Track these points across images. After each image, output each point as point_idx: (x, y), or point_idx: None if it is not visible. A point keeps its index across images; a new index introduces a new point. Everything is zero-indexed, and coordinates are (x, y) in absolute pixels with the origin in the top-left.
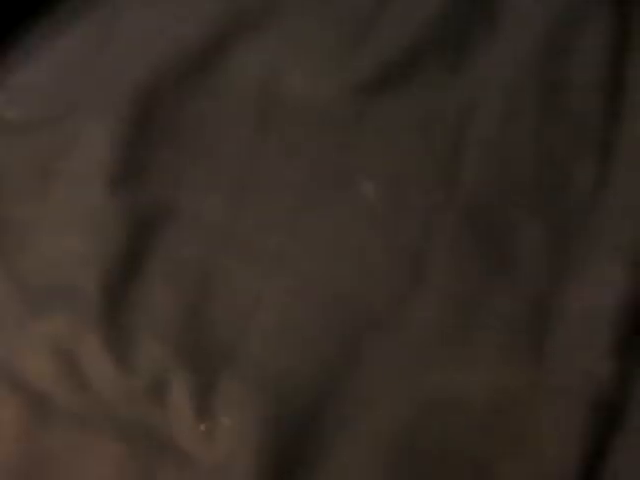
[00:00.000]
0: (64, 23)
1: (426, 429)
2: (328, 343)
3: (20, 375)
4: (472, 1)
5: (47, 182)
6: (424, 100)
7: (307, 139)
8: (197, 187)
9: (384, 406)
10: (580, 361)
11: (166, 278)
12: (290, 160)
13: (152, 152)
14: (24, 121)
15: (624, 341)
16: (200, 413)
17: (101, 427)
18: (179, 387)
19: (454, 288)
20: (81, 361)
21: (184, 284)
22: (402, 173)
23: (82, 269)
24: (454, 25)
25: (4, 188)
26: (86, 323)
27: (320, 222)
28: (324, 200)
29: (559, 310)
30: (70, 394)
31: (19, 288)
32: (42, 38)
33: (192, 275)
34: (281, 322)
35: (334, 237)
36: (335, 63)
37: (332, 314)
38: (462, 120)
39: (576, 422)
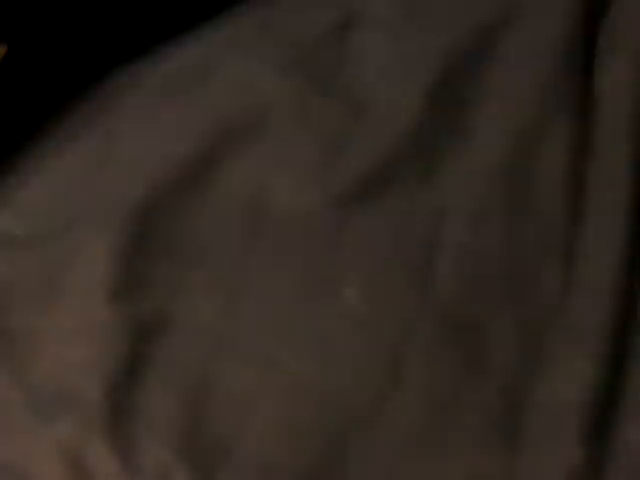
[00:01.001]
0: (64, 143)
1: None
2: (317, 440)
3: (30, 479)
4: (442, 112)
5: (52, 294)
6: (398, 209)
7: (293, 248)
8: (192, 296)
9: None
10: (552, 451)
11: (166, 383)
12: (278, 268)
13: (150, 264)
14: (30, 236)
15: (594, 432)
16: None
17: None
18: None
19: (431, 387)
20: (88, 464)
21: (183, 388)
22: (380, 280)
23: (87, 377)
24: (425, 136)
25: (13, 300)
26: (92, 428)
27: (307, 326)
28: (310, 305)
29: (531, 404)
30: None
31: (28, 395)
32: (44, 158)
33: (190, 379)
34: (274, 421)
35: (321, 340)
36: (316, 177)
37: (321, 413)
38: (434, 226)
39: None
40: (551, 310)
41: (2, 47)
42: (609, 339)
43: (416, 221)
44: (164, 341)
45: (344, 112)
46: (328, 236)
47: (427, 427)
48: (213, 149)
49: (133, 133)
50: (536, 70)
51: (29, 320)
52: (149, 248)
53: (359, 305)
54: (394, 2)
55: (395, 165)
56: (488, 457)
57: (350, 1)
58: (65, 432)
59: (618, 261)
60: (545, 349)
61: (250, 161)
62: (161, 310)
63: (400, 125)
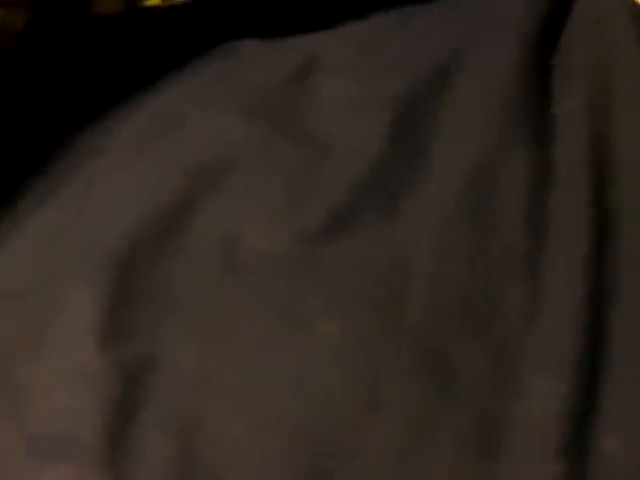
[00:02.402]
0: (43, 197)
1: None
2: (298, 470)
3: None
4: (401, 149)
5: (39, 345)
6: (365, 244)
7: (266, 287)
8: (172, 339)
9: None
10: (530, 466)
11: (156, 423)
12: (254, 307)
13: (131, 311)
14: (13, 289)
15: (572, 444)
16: None
17: None
18: None
19: (407, 413)
20: None
21: (173, 428)
22: (355, 313)
23: (82, 421)
24: (386, 173)
25: (7, 353)
26: (90, 470)
27: (284, 360)
28: (286, 339)
29: (507, 421)
30: None
31: (25, 440)
32: (24, 212)
33: (179, 419)
34: (261, 453)
35: (297, 372)
36: (285, 216)
37: (301, 443)
38: (401, 259)
39: None
40: (518, 333)
41: None
42: (579, 355)
43: (383, 254)
44: (151, 384)
45: (309, 153)
46: (300, 273)
47: (405, 450)
48: (185, 197)
49: (110, 184)
50: (491, 102)
51: (18, 372)
52: (130, 296)
53: (338, 338)
54: (351, 46)
55: (359, 202)
56: (467, 475)
57: (309, 46)
58: (66, 475)
59: (582, 282)
60: (517, 371)
61: (221, 206)
62: (145, 355)
63: (362, 164)
